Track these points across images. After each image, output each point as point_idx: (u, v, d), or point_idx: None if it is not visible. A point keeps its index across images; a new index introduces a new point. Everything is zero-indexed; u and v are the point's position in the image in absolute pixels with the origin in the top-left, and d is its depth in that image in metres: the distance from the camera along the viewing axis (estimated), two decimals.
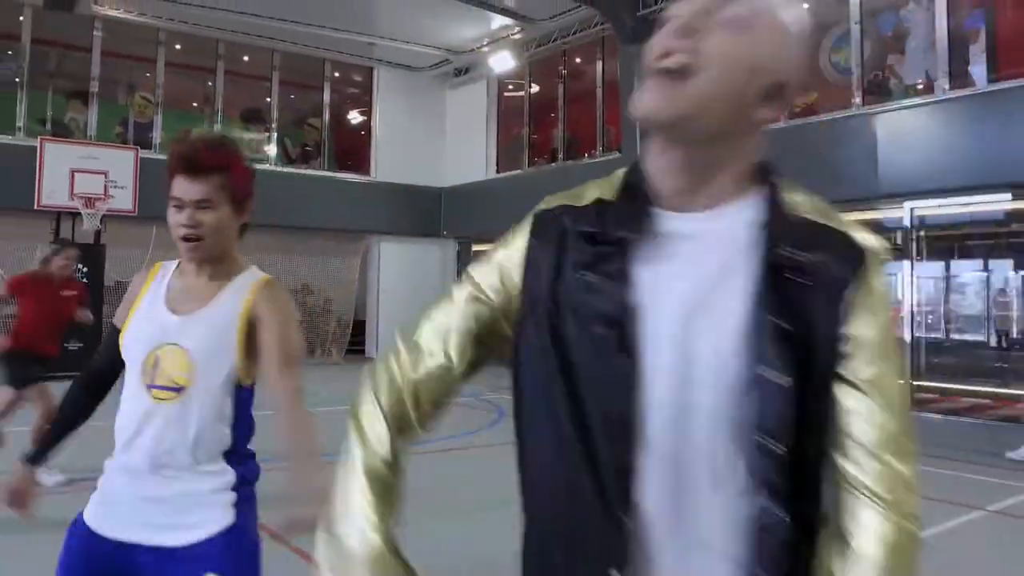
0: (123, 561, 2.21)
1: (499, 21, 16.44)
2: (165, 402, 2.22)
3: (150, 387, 2.24)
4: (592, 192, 1.31)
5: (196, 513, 2.27)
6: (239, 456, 2.35)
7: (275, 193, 17.09)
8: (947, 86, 11.15)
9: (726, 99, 1.16)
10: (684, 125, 1.17)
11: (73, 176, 14.25)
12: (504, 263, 1.34)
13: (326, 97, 19.50)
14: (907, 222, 11.49)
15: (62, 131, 16.44)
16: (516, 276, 1.32)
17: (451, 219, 19.66)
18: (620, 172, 1.33)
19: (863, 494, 1.12)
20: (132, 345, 2.28)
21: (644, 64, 1.18)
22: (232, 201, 2.31)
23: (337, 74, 19.74)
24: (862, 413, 1.13)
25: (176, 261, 2.41)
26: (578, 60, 17.62)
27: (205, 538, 2.23)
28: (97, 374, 2.47)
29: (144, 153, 15.70)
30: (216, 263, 2.36)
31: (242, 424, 2.34)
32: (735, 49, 1.15)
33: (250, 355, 2.29)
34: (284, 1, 15.52)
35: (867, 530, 1.11)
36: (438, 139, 20.30)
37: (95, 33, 16.51)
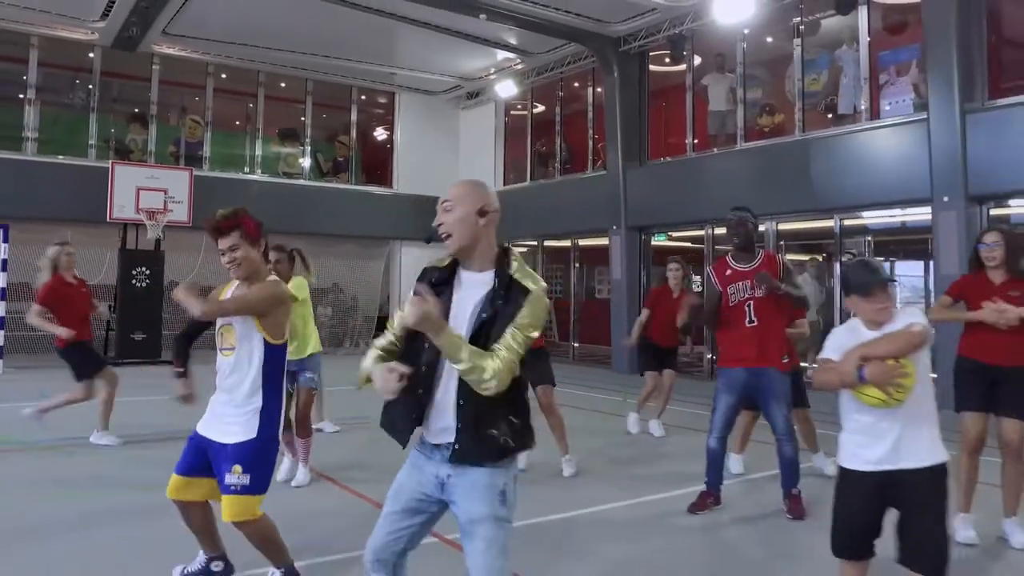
0: (205, 448, 4.14)
1: (503, 54, 18.35)
2: (228, 356, 4.14)
3: (221, 349, 4.17)
4: (444, 262, 3.20)
5: (234, 425, 3.98)
6: (267, 394, 4.02)
7: (311, 204, 19.28)
8: (869, 115, 13.07)
9: (466, 232, 3.01)
10: (457, 250, 3.07)
11: (138, 193, 16.39)
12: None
13: (353, 117, 21.61)
14: (836, 230, 13.40)
15: (124, 150, 18.70)
16: None
17: None
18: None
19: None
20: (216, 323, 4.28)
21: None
22: (249, 242, 4.11)
23: (363, 97, 21.81)
24: (507, 335, 2.98)
25: None
26: (576, 85, 19.41)
27: (235, 442, 3.95)
28: (190, 335, 4.63)
29: (197, 172, 17.91)
30: (251, 278, 4.21)
31: (270, 372, 4.04)
32: (456, 215, 3.04)
33: (264, 323, 4.05)
34: (316, 38, 17.57)
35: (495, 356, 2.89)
36: (452, 155, 22.30)
37: (153, 66, 18.76)
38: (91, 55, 18.16)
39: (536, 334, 2.94)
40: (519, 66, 18.99)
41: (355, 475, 6.94)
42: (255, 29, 17.06)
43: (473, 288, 2.99)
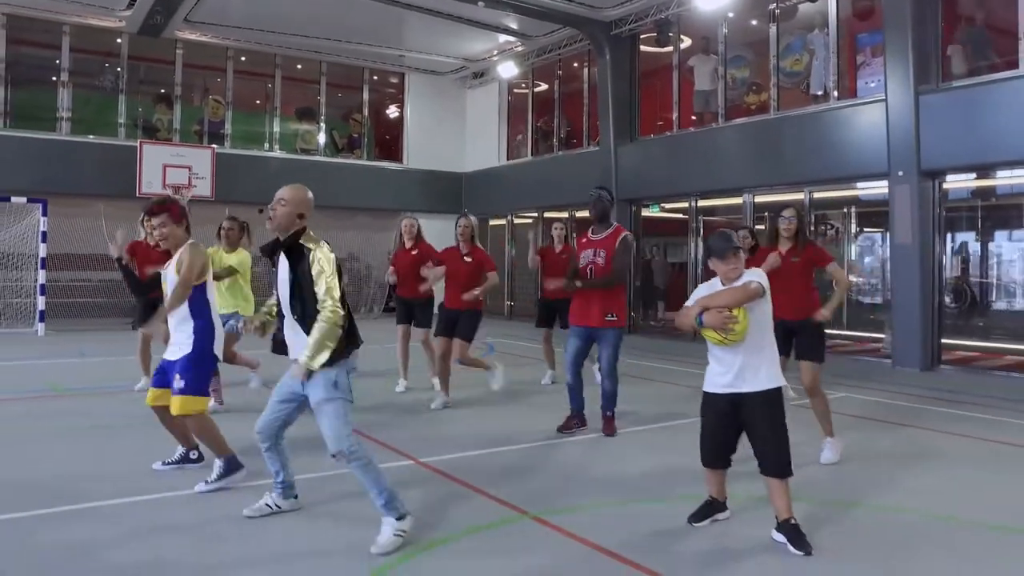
0: (166, 368, 5.52)
1: (504, 37, 19.22)
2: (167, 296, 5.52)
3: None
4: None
5: (178, 346, 5.52)
6: (196, 321, 5.49)
7: (327, 179, 20.20)
8: (836, 95, 13.88)
9: (285, 223, 4.38)
10: (276, 230, 4.38)
11: (165, 170, 17.43)
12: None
13: (366, 96, 22.52)
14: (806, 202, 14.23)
15: (150, 129, 19.68)
16: None
17: (471, 199, 22.64)
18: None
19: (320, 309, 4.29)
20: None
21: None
22: (174, 222, 5.60)
23: (375, 78, 22.69)
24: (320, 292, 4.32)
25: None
26: (574, 65, 20.19)
27: (179, 357, 5.46)
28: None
29: (219, 150, 18.92)
30: (176, 247, 5.57)
31: (195, 303, 5.48)
32: (282, 211, 4.39)
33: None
34: (329, 24, 18.49)
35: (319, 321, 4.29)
36: (459, 132, 23.32)
37: (177, 51, 19.70)
38: (119, 41, 19.11)
39: (331, 278, 4.30)
40: (519, 48, 19.84)
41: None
42: (271, 16, 17.98)
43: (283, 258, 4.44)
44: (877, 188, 13.60)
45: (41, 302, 15.65)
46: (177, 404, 5.36)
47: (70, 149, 17.90)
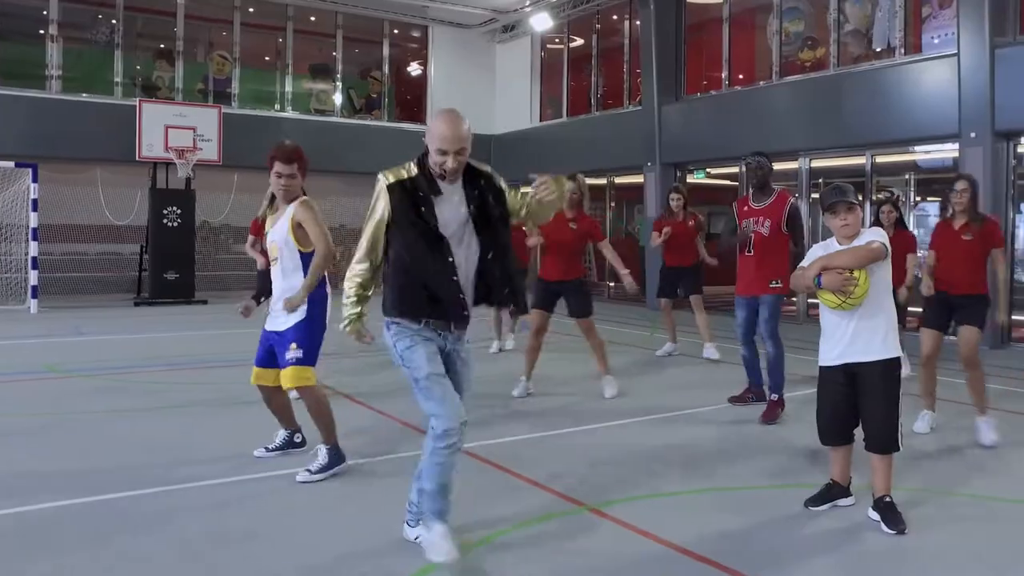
0: (271, 342, 5.52)
1: None
2: (274, 264, 5.53)
3: (272, 262, 5.60)
4: (405, 173, 4.28)
5: (291, 315, 5.42)
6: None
7: (344, 142, 20.20)
8: (903, 50, 13.70)
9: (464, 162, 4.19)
10: (459, 169, 4.15)
11: (167, 131, 17.46)
12: (384, 211, 4.31)
13: (386, 52, 22.53)
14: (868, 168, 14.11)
15: (150, 87, 19.82)
16: (387, 214, 4.29)
17: (501, 163, 22.20)
18: (412, 163, 4.27)
19: None
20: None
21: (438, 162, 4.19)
22: (302, 174, 5.54)
23: (396, 31, 22.70)
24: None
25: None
26: (613, 17, 20.09)
27: (290, 325, 5.41)
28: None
29: (226, 109, 18.98)
30: (291, 200, 5.51)
31: (307, 270, 5.47)
32: (463, 156, 4.10)
33: (297, 236, 5.40)
34: None
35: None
36: (488, 90, 23.25)
37: (179, 1, 19.72)
38: None
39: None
40: None
41: (367, 392, 8.00)
42: None
43: (455, 196, 4.19)
44: (939, 153, 13.60)
45: (33, 276, 15.77)
46: (292, 376, 5.35)
47: (62, 109, 17.99)
